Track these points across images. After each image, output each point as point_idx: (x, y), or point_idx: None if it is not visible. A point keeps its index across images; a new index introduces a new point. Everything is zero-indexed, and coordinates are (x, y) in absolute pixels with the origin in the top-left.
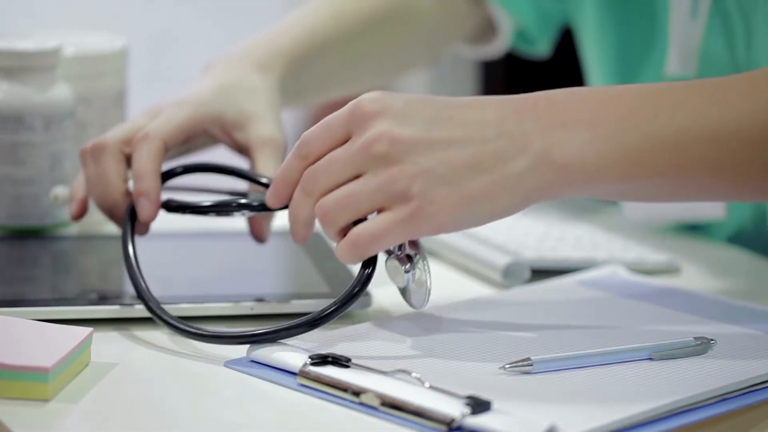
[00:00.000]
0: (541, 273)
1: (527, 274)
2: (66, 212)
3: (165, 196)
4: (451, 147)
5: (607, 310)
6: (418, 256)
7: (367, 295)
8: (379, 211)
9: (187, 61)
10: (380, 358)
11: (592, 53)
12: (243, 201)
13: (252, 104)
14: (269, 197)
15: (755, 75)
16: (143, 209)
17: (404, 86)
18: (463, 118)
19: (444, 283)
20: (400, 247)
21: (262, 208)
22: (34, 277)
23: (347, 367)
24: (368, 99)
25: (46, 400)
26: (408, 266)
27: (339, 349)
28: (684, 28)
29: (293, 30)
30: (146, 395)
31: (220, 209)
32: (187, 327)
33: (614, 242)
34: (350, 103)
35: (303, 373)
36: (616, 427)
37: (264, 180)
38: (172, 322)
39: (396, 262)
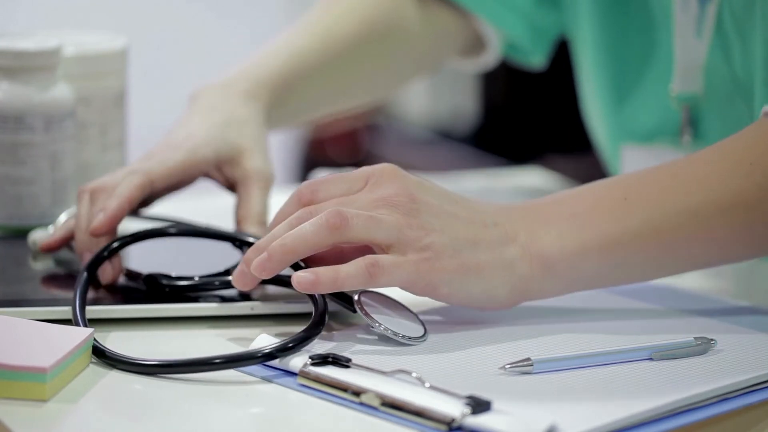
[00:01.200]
0: None
1: None
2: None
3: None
4: (458, 221)
5: (607, 310)
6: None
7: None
8: (385, 250)
9: (187, 61)
10: (380, 358)
11: (587, 68)
12: (228, 279)
13: (242, 138)
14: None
15: (722, 145)
16: (97, 221)
17: (405, 93)
18: (468, 204)
19: None
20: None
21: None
22: (34, 277)
23: (347, 367)
24: (388, 165)
25: (45, 401)
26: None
27: (339, 349)
28: (689, 47)
29: (279, 56)
30: (146, 395)
31: (202, 288)
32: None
33: None
34: (368, 167)
35: (303, 373)
36: (616, 427)
37: (246, 238)
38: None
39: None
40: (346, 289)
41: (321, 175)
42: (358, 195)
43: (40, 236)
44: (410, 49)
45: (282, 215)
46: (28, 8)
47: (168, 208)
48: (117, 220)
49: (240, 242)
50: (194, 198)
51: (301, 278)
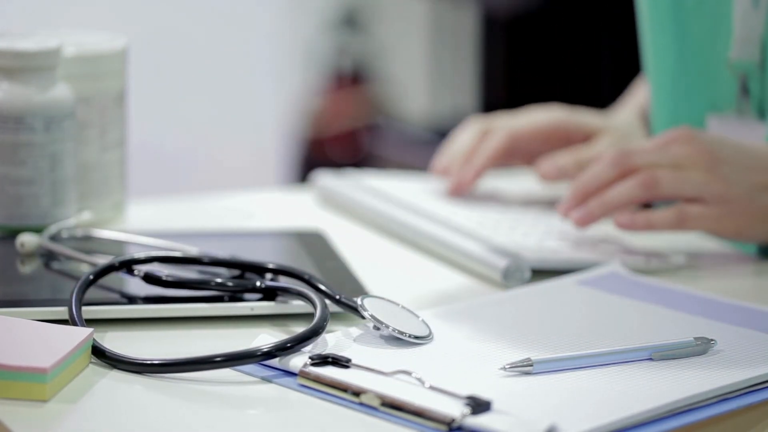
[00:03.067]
0: (541, 273)
1: (527, 274)
2: (65, 214)
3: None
4: (753, 171)
5: (607, 310)
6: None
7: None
8: (692, 202)
9: (186, 61)
10: (380, 358)
11: (651, 35)
12: (219, 280)
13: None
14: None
15: None
16: (461, 176)
17: (405, 93)
18: (762, 153)
19: (444, 284)
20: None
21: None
22: (34, 278)
23: (347, 367)
24: (686, 129)
25: (45, 401)
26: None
27: (339, 349)
28: (747, 17)
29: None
30: (146, 395)
31: (202, 283)
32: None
33: (615, 242)
34: (669, 132)
35: (303, 374)
36: (616, 427)
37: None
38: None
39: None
40: (656, 230)
41: (322, 175)
42: (667, 156)
43: (27, 239)
44: None
45: (594, 181)
46: (28, 8)
47: (167, 208)
48: (476, 174)
49: (246, 269)
50: (193, 198)
51: (620, 219)
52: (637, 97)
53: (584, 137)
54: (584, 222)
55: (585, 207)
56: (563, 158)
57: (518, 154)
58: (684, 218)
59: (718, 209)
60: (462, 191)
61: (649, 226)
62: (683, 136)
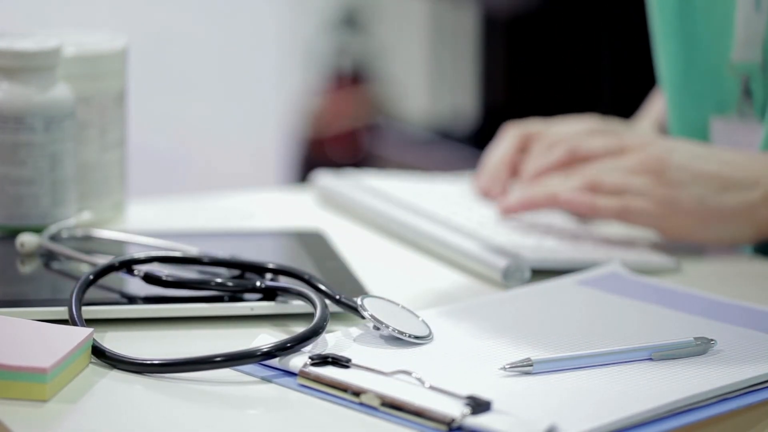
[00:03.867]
0: (541, 273)
1: (527, 274)
2: (65, 214)
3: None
4: (704, 175)
5: (606, 310)
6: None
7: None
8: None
9: (186, 61)
10: (380, 358)
11: (660, 38)
12: (219, 280)
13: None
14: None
15: None
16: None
17: (405, 93)
18: (715, 157)
19: (444, 284)
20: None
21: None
22: (34, 278)
23: (347, 367)
24: (643, 133)
25: (45, 401)
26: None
27: (339, 349)
28: (749, 20)
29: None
30: (146, 395)
31: (202, 283)
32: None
33: (614, 242)
34: (624, 135)
35: (303, 374)
36: (616, 427)
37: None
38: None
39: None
40: (599, 216)
41: (322, 175)
42: (615, 160)
43: (27, 239)
44: None
45: (546, 162)
46: (28, 8)
47: (167, 208)
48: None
49: (245, 269)
50: (193, 198)
51: (565, 196)
52: (654, 108)
53: None
54: (526, 206)
55: (529, 192)
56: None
57: None
58: (627, 210)
59: (664, 209)
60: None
61: (592, 209)
62: (636, 146)
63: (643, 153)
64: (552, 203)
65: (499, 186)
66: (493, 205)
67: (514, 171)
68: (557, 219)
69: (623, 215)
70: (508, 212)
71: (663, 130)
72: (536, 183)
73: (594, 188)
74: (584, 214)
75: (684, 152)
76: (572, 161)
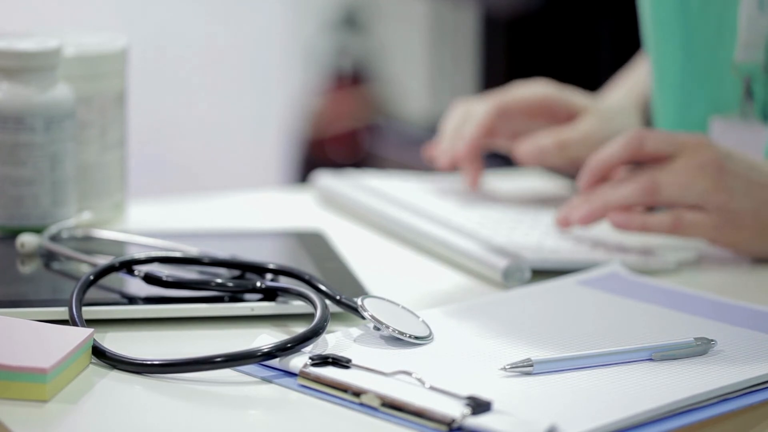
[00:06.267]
0: (541, 273)
1: (528, 274)
2: (65, 214)
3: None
4: (760, 186)
5: (607, 310)
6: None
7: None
8: (693, 209)
9: (187, 61)
10: (380, 358)
11: (659, 36)
12: (219, 281)
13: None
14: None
15: None
16: (457, 149)
17: (405, 93)
18: None
19: (444, 284)
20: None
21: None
22: (34, 278)
23: (347, 367)
24: (701, 136)
25: (45, 401)
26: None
27: (339, 350)
28: (752, 20)
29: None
30: (146, 395)
31: (202, 283)
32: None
33: (614, 242)
34: (684, 135)
35: (303, 374)
36: (616, 427)
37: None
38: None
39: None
40: (651, 233)
41: (322, 175)
42: (673, 162)
43: (27, 239)
44: None
45: (609, 157)
46: (28, 8)
47: (167, 208)
48: (472, 148)
49: (246, 269)
50: (193, 198)
51: (616, 218)
52: (635, 79)
53: (569, 115)
54: (585, 221)
55: (588, 206)
56: (544, 139)
57: (503, 131)
58: (680, 224)
59: (718, 219)
60: (456, 165)
61: (644, 228)
62: (694, 144)
63: (700, 155)
64: (604, 217)
65: (446, 143)
66: (492, 206)
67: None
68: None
69: (676, 230)
70: (569, 225)
71: (642, 105)
72: (593, 193)
73: (651, 194)
74: (637, 232)
75: (738, 160)
76: (636, 157)
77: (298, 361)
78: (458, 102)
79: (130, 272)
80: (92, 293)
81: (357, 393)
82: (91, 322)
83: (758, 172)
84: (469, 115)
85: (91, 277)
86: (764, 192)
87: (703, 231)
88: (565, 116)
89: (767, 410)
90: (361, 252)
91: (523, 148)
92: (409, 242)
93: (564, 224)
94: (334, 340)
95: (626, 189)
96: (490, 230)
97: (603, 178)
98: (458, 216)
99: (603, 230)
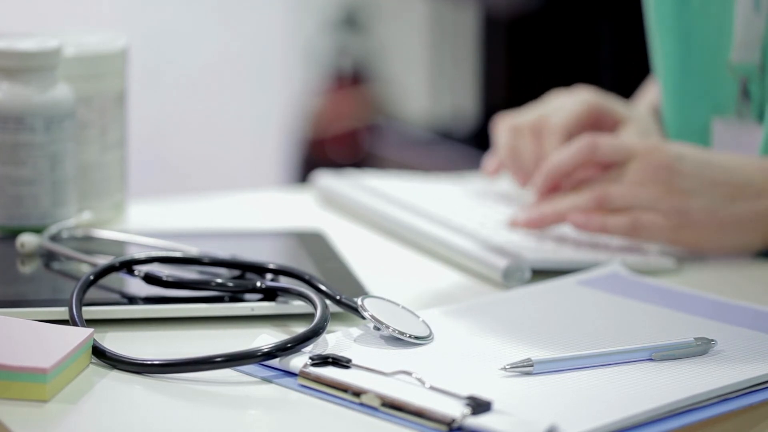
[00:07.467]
0: (541, 273)
1: (528, 274)
2: (65, 214)
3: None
4: (714, 183)
5: (607, 310)
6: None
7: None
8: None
9: (187, 61)
10: (380, 358)
11: (658, 36)
12: (219, 281)
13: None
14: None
15: None
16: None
17: (405, 93)
18: (724, 165)
19: (444, 284)
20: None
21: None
22: (34, 278)
23: (347, 367)
24: (651, 142)
25: (45, 401)
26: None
27: (339, 349)
28: (748, 20)
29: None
30: (146, 395)
31: (202, 283)
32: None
33: (614, 242)
34: (631, 142)
35: (303, 374)
36: (616, 427)
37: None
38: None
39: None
40: (610, 234)
41: (322, 175)
42: (623, 169)
43: (27, 239)
44: None
45: (562, 163)
46: (28, 8)
47: (167, 208)
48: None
49: (245, 269)
50: (193, 198)
51: (575, 219)
52: (648, 96)
53: (614, 124)
54: (532, 225)
55: (538, 210)
56: None
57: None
58: (637, 227)
59: (674, 220)
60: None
61: (603, 229)
62: (644, 151)
63: (650, 161)
64: (562, 222)
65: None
66: (492, 206)
67: (516, 156)
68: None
69: (634, 232)
70: (516, 226)
71: (657, 115)
72: (547, 200)
73: (602, 204)
74: (595, 233)
75: (692, 159)
76: (588, 163)
77: (298, 361)
78: (501, 117)
79: (130, 272)
80: (92, 293)
81: (357, 393)
82: (91, 322)
83: (712, 168)
84: (537, 145)
85: (91, 277)
86: (718, 189)
87: (660, 233)
88: (611, 124)
89: (767, 410)
90: (361, 252)
91: None
92: (409, 242)
93: (513, 225)
94: (334, 340)
95: (578, 199)
96: (490, 230)
97: (557, 183)
98: (458, 216)
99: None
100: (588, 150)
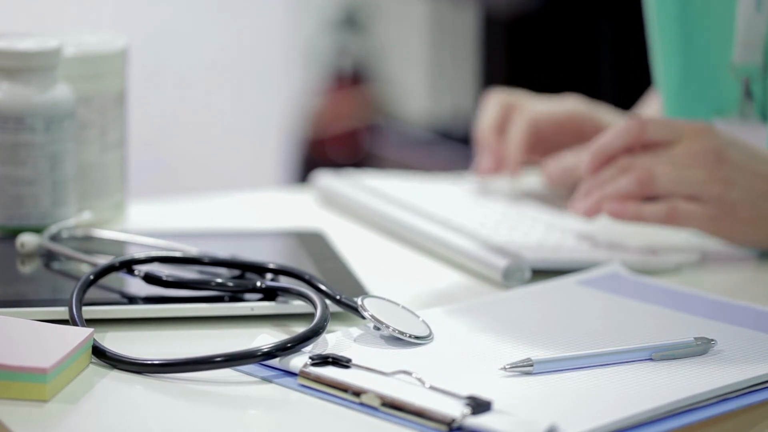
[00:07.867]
0: (541, 273)
1: (528, 274)
2: (65, 214)
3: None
4: (757, 177)
5: (607, 310)
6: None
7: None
8: (689, 200)
9: (187, 62)
10: (381, 358)
11: (658, 35)
12: (219, 280)
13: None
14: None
15: None
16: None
17: (405, 93)
18: None
19: (444, 284)
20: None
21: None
22: (34, 278)
23: (347, 367)
24: (702, 123)
25: (45, 401)
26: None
27: (339, 349)
28: (750, 21)
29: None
30: (146, 395)
31: (202, 283)
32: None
33: (614, 242)
34: (683, 122)
35: (303, 374)
36: (616, 427)
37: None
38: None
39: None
40: (646, 222)
41: (322, 175)
42: (671, 150)
43: (27, 239)
44: None
45: (610, 143)
46: (28, 8)
47: (167, 208)
48: (517, 168)
49: (245, 269)
50: (193, 198)
51: (610, 207)
52: (650, 109)
53: (596, 133)
54: (589, 214)
55: (587, 200)
56: (570, 159)
57: (538, 147)
58: (674, 215)
59: (714, 210)
60: (500, 173)
61: (638, 217)
62: (694, 131)
63: (700, 143)
64: (598, 211)
65: (490, 157)
66: (492, 206)
67: (501, 133)
68: (557, 219)
69: (670, 220)
70: (578, 214)
71: None
72: (594, 184)
73: (645, 185)
74: (631, 221)
75: (740, 149)
76: (637, 144)
77: (298, 360)
78: (493, 93)
79: (130, 272)
80: (92, 293)
81: (357, 393)
82: (91, 322)
83: (758, 160)
84: (505, 131)
85: (91, 277)
86: (763, 183)
87: (698, 222)
88: (593, 134)
89: (767, 410)
90: (361, 252)
91: (550, 168)
92: (409, 242)
93: (573, 211)
94: (334, 340)
95: (621, 182)
96: (490, 230)
97: (605, 164)
98: (458, 216)
99: (603, 230)
100: (637, 130)
